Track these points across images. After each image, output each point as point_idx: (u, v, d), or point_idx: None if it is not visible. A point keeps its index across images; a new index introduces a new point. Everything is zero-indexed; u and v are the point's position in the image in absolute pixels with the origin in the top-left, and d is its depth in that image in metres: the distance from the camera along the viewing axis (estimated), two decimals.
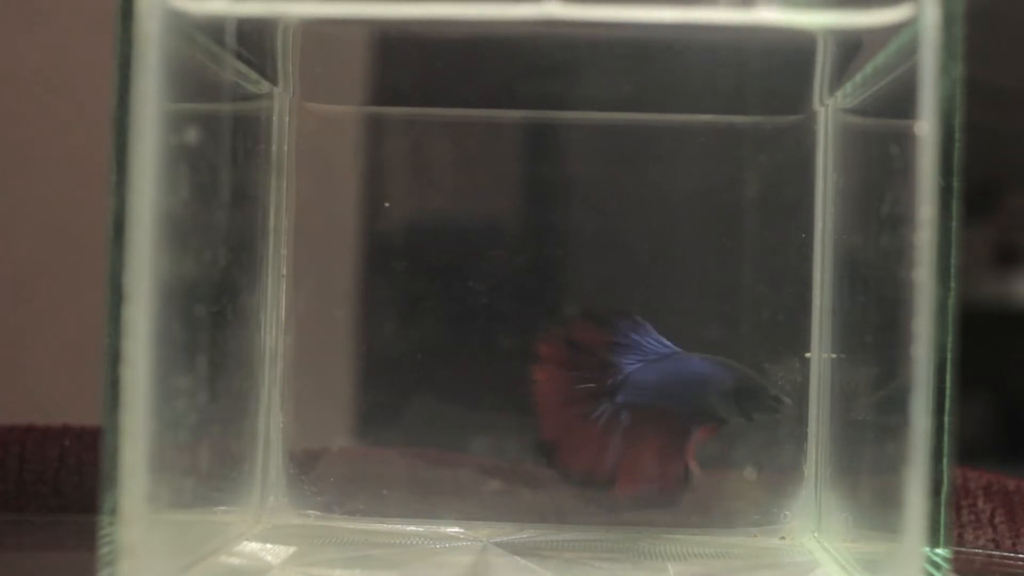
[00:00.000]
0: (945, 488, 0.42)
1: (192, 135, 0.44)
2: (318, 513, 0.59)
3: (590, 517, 0.58)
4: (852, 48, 0.52)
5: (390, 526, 0.59)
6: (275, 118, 0.58)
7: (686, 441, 0.56)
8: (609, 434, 0.56)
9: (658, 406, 0.56)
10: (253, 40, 0.53)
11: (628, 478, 0.56)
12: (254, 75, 0.55)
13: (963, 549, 0.63)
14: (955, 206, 0.42)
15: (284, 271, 0.59)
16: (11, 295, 1.04)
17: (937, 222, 0.42)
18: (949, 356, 0.42)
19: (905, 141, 0.43)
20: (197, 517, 0.50)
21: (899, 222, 0.44)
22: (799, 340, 0.58)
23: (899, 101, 0.44)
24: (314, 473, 0.59)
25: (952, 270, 0.42)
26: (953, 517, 0.63)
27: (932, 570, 0.43)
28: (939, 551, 0.43)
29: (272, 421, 0.59)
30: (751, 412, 0.56)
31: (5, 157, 1.04)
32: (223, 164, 0.50)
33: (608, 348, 0.56)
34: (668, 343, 0.56)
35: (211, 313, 0.49)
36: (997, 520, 0.64)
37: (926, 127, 0.42)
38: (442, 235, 0.62)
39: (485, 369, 0.59)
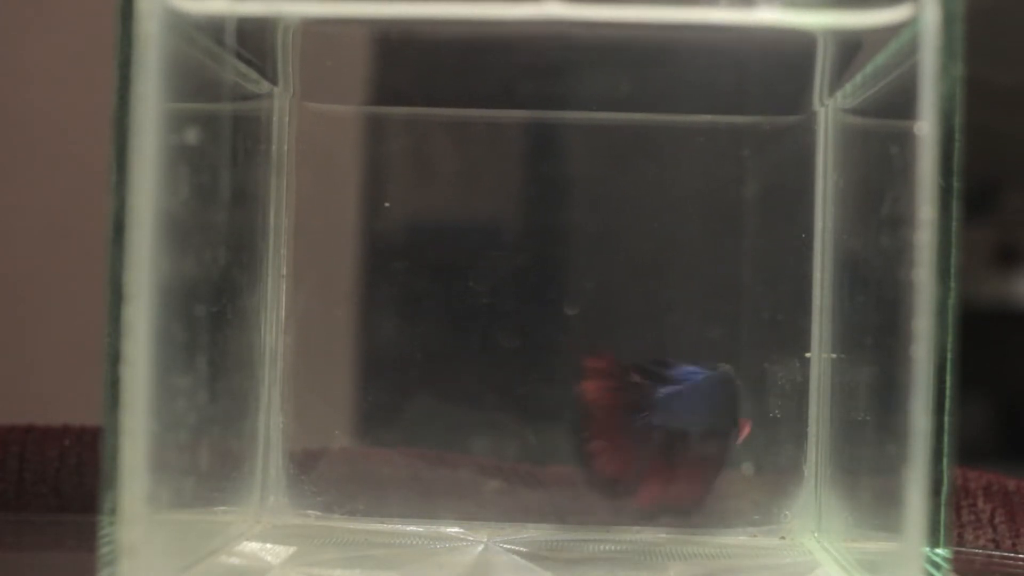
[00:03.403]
0: (945, 488, 0.42)
1: (192, 135, 0.44)
2: (318, 513, 0.59)
3: (600, 517, 0.58)
4: (852, 48, 0.52)
5: (390, 526, 0.59)
6: (275, 118, 0.58)
7: (715, 458, 0.56)
8: (643, 445, 0.56)
9: (699, 425, 0.56)
10: (253, 40, 0.53)
11: (650, 490, 0.56)
12: (254, 75, 0.55)
13: (963, 549, 0.63)
14: (955, 206, 0.42)
15: (284, 271, 0.59)
16: (11, 295, 1.04)
17: (937, 222, 0.42)
18: (949, 356, 0.42)
19: (905, 141, 0.43)
20: (197, 517, 0.50)
21: (899, 222, 0.44)
22: (799, 340, 0.58)
23: (899, 101, 0.44)
24: (314, 473, 0.59)
25: (952, 270, 0.42)
26: (953, 517, 0.63)
27: (932, 570, 0.43)
28: (939, 551, 0.43)
29: (272, 421, 0.59)
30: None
31: (5, 157, 1.04)
32: (223, 164, 0.50)
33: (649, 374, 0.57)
34: (702, 369, 0.56)
35: (211, 313, 0.49)
36: (997, 520, 0.64)
37: (926, 127, 0.42)
38: (442, 235, 0.62)
39: (485, 369, 0.59)
